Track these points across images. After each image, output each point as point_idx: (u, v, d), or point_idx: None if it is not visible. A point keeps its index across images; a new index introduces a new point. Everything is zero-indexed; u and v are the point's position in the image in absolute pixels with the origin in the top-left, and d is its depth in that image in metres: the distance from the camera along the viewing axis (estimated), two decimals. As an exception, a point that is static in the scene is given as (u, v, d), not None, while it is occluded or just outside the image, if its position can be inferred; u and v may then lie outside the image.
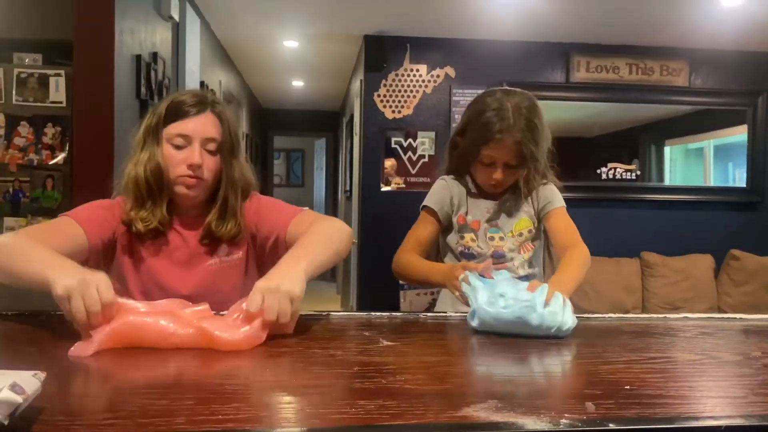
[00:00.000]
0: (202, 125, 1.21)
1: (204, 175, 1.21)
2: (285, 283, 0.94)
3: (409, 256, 1.47)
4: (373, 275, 4.12)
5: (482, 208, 1.47)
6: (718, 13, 3.41)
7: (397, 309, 3.79)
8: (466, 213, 1.47)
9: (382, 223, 4.08)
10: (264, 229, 1.27)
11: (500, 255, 1.44)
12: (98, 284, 0.89)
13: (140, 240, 1.23)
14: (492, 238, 1.45)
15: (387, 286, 4.64)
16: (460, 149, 1.47)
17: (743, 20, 3.50)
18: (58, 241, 1.09)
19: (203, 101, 1.23)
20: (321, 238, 1.15)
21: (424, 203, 1.51)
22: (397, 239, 4.49)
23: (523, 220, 1.46)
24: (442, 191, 1.49)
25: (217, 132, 1.22)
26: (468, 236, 1.46)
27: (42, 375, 0.63)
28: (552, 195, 1.45)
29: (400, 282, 4.32)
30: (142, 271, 1.23)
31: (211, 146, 1.22)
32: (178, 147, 1.20)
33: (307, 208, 1.31)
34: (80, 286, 0.88)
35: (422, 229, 1.50)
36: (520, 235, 1.45)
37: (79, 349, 0.86)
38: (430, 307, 4.44)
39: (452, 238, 1.49)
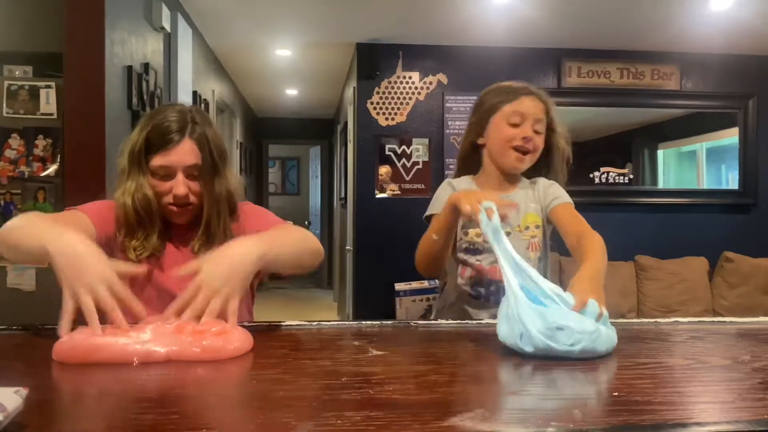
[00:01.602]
0: (182, 155, 1.20)
1: (191, 200, 1.23)
2: (230, 281, 0.97)
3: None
4: (369, 282, 4.12)
5: None
6: (706, 17, 3.43)
7: (393, 315, 3.76)
8: None
9: (377, 230, 4.08)
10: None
11: None
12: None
13: None
14: None
15: (383, 292, 4.64)
16: (474, 135, 1.48)
17: (732, 24, 3.53)
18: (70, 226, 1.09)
19: (181, 128, 1.21)
20: (286, 233, 1.20)
21: (429, 212, 1.45)
22: (393, 246, 4.48)
23: (530, 215, 1.43)
24: (448, 191, 1.46)
25: (197, 158, 1.22)
26: (473, 231, 1.41)
27: (24, 391, 0.62)
28: (560, 191, 1.44)
29: (397, 289, 4.28)
30: (134, 279, 1.22)
31: (195, 172, 1.23)
32: (162, 177, 1.21)
33: (290, 222, 1.31)
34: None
35: None
36: (527, 228, 1.42)
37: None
38: (426, 313, 4.40)
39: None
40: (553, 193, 1.44)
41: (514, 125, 1.40)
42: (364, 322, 1.17)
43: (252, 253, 1.03)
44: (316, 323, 1.14)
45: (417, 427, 0.64)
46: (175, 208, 1.23)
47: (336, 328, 1.16)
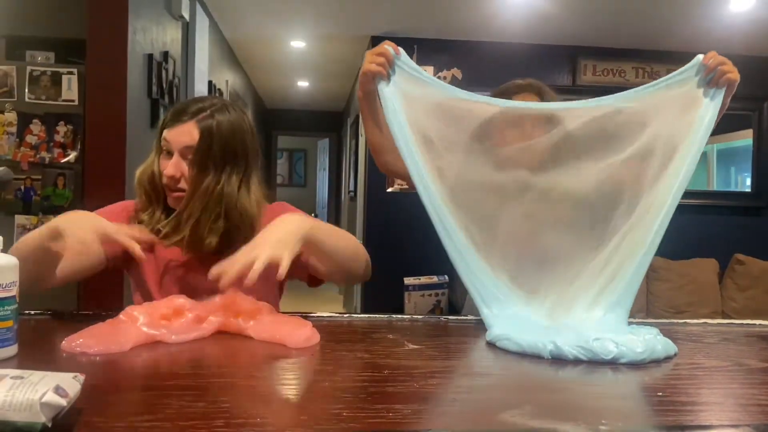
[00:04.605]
0: (180, 134, 1.15)
1: (181, 185, 1.16)
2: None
3: None
4: (377, 276, 4.10)
5: None
6: (726, 17, 3.41)
7: (401, 310, 3.76)
8: None
9: (387, 223, 4.08)
10: None
11: None
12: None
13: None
14: None
15: (392, 286, 4.62)
16: None
17: (751, 25, 3.51)
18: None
19: (195, 112, 1.16)
20: (334, 229, 1.20)
21: None
22: (402, 239, 4.45)
23: None
24: None
25: (192, 140, 1.15)
26: None
27: (81, 377, 0.63)
28: None
29: (406, 283, 4.22)
30: (158, 264, 1.22)
31: (191, 155, 1.16)
32: (166, 155, 1.18)
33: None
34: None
35: None
36: None
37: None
38: (434, 308, 4.35)
39: None
40: None
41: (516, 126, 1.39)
42: (394, 316, 1.17)
43: (302, 228, 1.02)
44: (347, 315, 1.15)
45: (468, 423, 0.64)
46: (168, 189, 1.17)
47: (367, 321, 1.16)
